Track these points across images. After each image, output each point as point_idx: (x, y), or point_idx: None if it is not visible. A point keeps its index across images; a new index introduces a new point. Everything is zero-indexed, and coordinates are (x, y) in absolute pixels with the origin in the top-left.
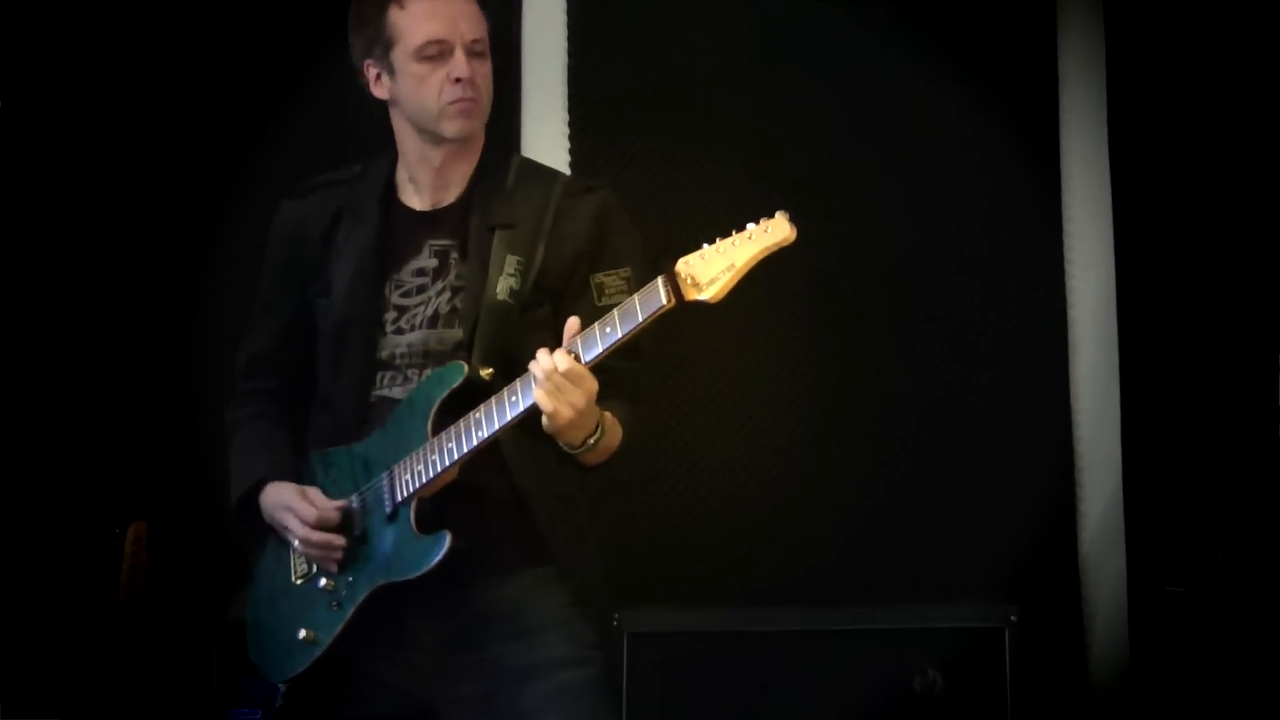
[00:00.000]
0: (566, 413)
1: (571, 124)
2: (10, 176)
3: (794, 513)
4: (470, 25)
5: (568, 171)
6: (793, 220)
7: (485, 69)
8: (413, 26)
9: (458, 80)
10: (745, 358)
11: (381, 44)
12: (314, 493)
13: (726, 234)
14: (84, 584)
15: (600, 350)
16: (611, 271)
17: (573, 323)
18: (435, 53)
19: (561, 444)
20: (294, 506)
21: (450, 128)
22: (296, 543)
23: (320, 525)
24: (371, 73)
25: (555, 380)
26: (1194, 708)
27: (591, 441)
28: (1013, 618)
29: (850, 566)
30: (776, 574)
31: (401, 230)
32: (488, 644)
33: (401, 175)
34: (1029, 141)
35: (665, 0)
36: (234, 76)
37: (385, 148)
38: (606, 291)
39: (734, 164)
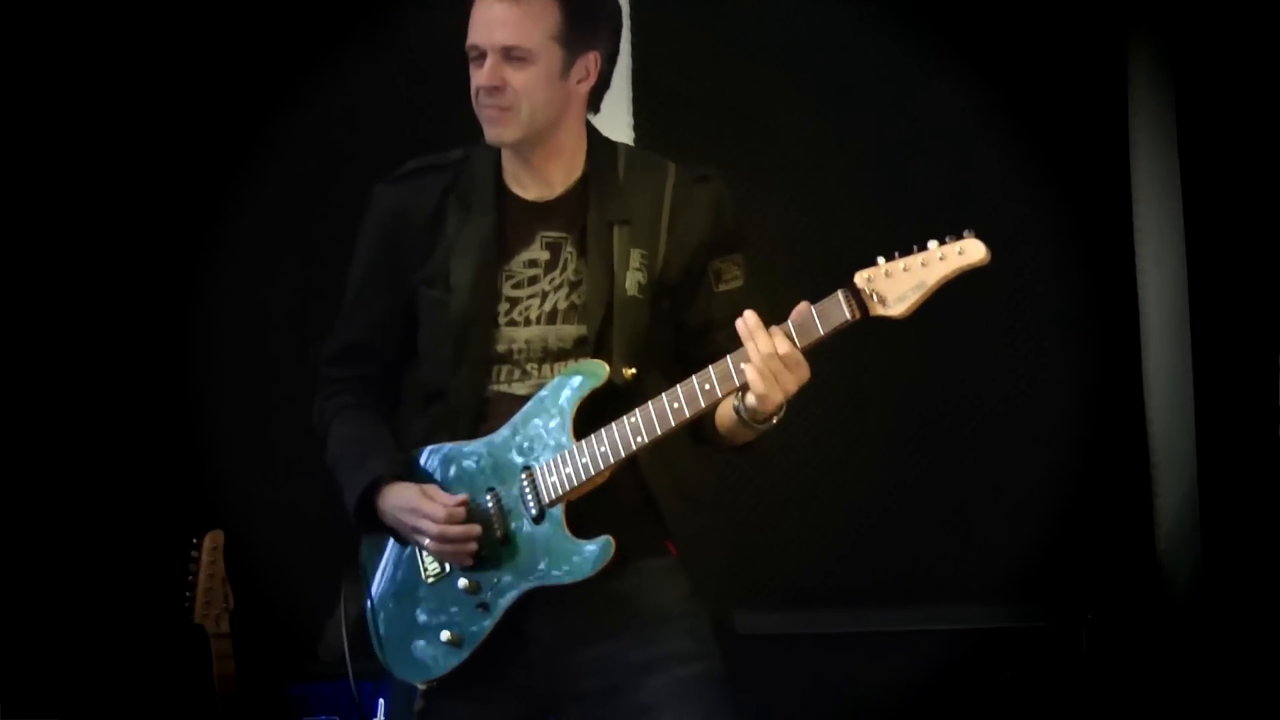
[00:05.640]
0: (778, 397)
1: (636, 127)
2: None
3: (863, 511)
4: (506, 32)
5: None
6: (981, 238)
7: (524, 74)
8: (468, 31)
9: (480, 86)
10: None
11: None
12: (434, 490)
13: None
14: (160, 593)
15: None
16: (727, 257)
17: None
18: (475, 57)
19: (746, 421)
20: (420, 507)
21: (487, 133)
22: (428, 542)
23: (451, 521)
24: None
25: (774, 365)
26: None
27: (775, 420)
28: (1089, 616)
29: (926, 566)
30: (850, 574)
31: (513, 220)
32: (606, 638)
33: (507, 165)
34: (1098, 141)
35: (729, 6)
36: (234, 75)
37: (386, 150)
38: (724, 277)
39: (795, 168)
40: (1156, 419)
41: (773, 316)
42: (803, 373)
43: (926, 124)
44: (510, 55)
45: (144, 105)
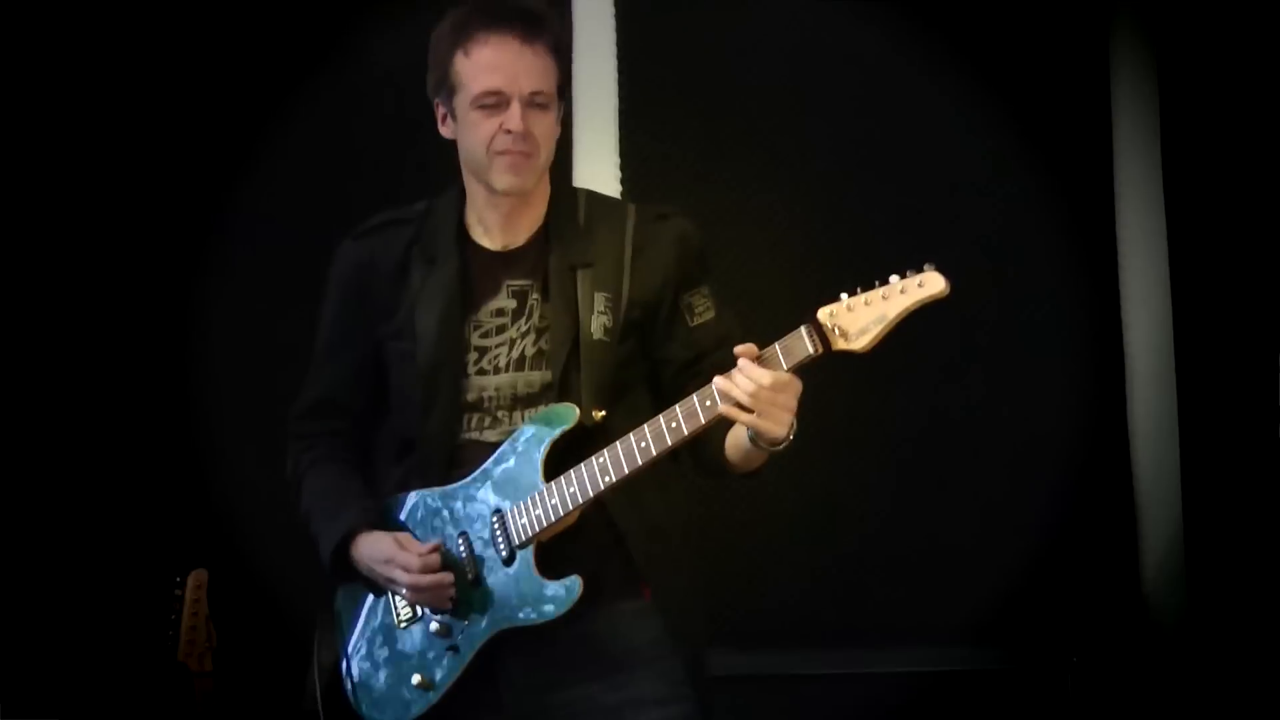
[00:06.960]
0: (785, 420)
1: (623, 167)
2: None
3: (842, 551)
4: (532, 78)
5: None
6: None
7: (545, 121)
8: (474, 76)
9: (509, 131)
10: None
11: (447, 88)
12: (408, 539)
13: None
14: (145, 632)
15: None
16: (694, 291)
17: (748, 349)
18: (492, 103)
19: (761, 445)
20: (395, 557)
21: (499, 180)
22: (405, 591)
23: (425, 570)
24: (440, 112)
25: (764, 397)
26: None
27: (791, 437)
28: (1074, 659)
29: (906, 607)
30: (830, 615)
31: (478, 270)
32: (578, 682)
33: (470, 214)
34: (1081, 157)
35: (717, 30)
36: (238, 76)
37: (385, 152)
38: (696, 311)
39: (784, 195)
40: (1141, 457)
41: (749, 337)
42: (795, 387)
43: (915, 133)
44: (534, 101)
45: (143, 110)
